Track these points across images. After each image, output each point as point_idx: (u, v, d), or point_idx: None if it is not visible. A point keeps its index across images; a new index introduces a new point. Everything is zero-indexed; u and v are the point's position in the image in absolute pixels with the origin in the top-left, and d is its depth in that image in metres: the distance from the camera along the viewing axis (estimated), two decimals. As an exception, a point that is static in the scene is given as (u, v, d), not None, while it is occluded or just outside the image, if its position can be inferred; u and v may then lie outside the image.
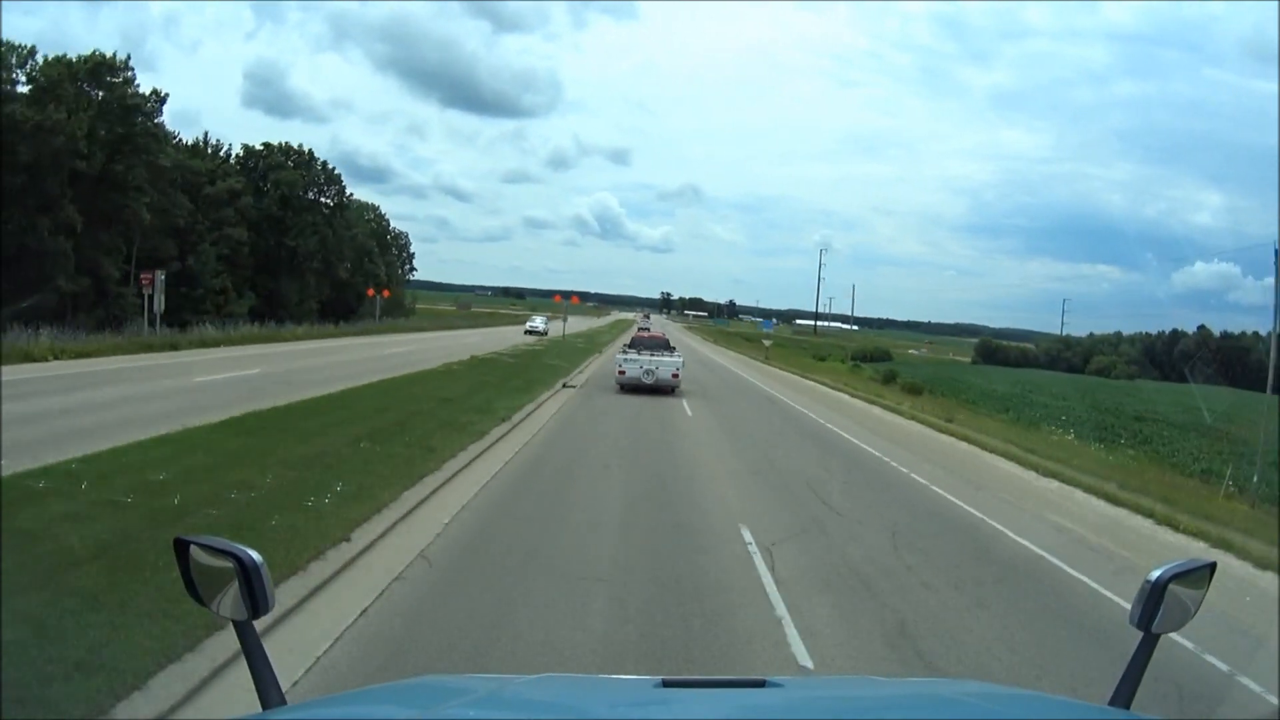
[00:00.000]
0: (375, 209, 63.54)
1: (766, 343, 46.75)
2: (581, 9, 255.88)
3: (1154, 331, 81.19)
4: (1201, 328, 78.59)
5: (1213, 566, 1.59)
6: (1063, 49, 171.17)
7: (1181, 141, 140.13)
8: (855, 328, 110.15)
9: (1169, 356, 79.75)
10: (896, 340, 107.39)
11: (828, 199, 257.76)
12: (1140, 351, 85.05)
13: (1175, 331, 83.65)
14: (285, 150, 46.66)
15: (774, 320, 49.54)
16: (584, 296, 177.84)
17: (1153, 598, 1.47)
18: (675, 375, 20.30)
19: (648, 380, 19.91)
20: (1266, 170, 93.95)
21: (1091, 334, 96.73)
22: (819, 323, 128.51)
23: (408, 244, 65.62)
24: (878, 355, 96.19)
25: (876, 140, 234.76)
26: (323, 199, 47.16)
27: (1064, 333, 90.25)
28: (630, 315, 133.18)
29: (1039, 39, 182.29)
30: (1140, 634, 1.51)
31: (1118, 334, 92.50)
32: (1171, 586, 1.48)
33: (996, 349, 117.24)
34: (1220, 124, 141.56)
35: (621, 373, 20.27)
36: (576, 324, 71.29)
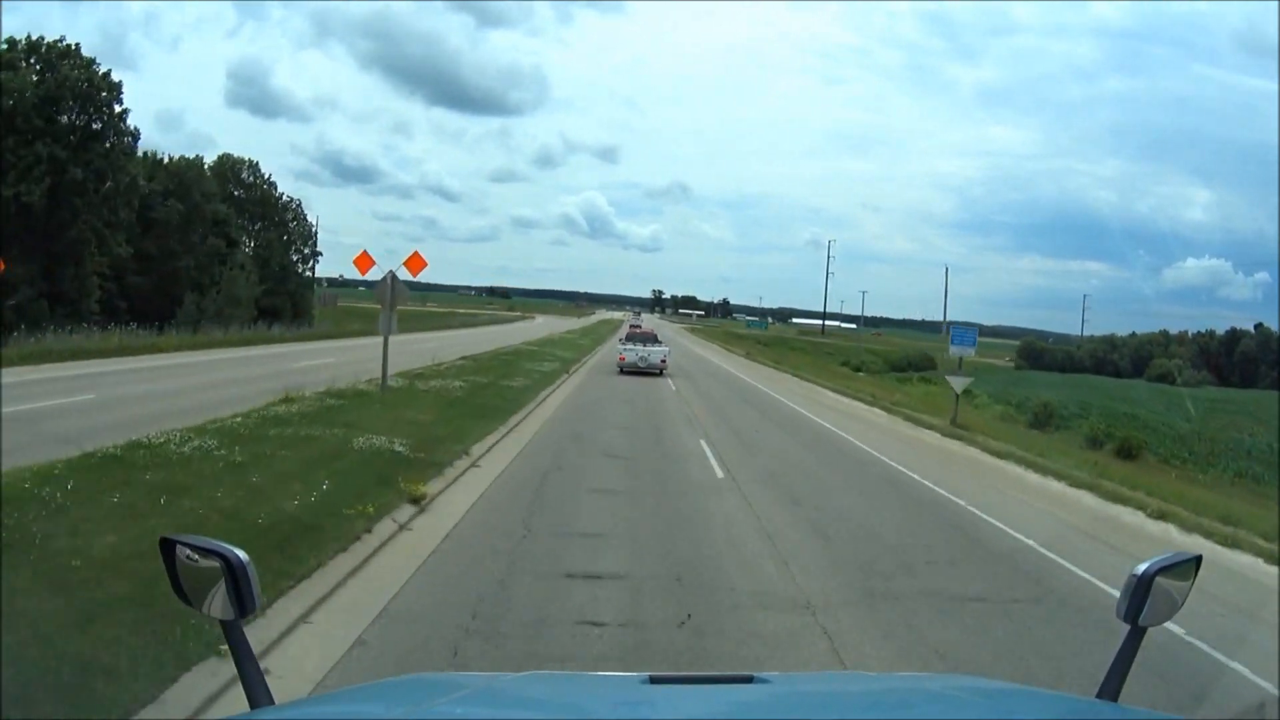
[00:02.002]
0: (254, 165, 43.74)
1: (959, 385, 18.77)
2: (566, 5, 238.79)
3: (1202, 330, 74.59)
4: (1260, 326, 72.93)
5: (1199, 559, 1.52)
6: (1051, 45, 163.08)
7: (1170, 138, 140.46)
8: (854, 326, 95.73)
9: (1229, 358, 71.54)
10: (901, 339, 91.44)
11: (816, 196, 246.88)
12: (1194, 352, 75.99)
13: (1233, 330, 75.63)
14: (33, 46, 26.89)
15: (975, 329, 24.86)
16: (573, 296, 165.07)
17: (1139, 590, 1.40)
18: (663, 361, 24.56)
19: (642, 365, 23.92)
20: (1255, 166, 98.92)
21: (1134, 333, 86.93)
22: (804, 321, 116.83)
23: (302, 216, 45.66)
24: (920, 362, 77.35)
25: (864, 137, 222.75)
26: (85, 120, 27.09)
27: (1084, 332, 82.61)
28: (619, 314, 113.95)
29: (1027, 35, 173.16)
30: (1127, 627, 1.44)
31: (1164, 333, 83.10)
32: (1158, 579, 1.41)
33: (1041, 351, 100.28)
34: (1208, 120, 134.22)
35: (622, 359, 24.62)
36: (543, 326, 51.90)
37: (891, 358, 70.39)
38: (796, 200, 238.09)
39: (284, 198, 44.84)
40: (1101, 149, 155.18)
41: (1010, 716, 1.37)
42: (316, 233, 47.23)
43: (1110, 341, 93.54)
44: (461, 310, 76.20)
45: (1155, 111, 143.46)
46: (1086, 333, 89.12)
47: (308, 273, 47.63)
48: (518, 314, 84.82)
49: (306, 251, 46.44)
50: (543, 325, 53.18)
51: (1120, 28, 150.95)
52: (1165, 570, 1.42)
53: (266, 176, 44.33)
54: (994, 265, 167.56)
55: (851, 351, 77.47)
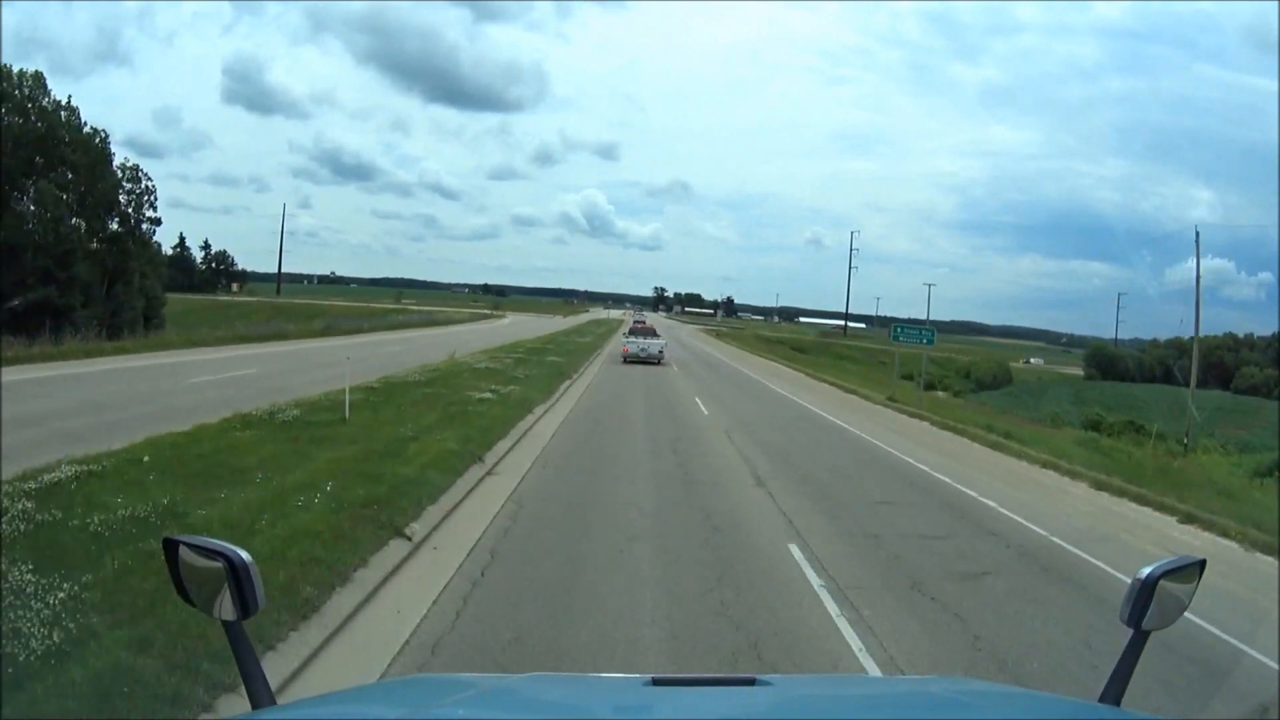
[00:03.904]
0: (38, 78, 27.20)
1: None
2: (565, 1, 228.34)
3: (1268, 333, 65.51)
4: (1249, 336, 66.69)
5: (1202, 563, 1.47)
6: (1053, 45, 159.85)
7: (1172, 138, 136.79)
8: (864, 326, 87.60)
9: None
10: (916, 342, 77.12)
11: (817, 196, 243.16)
12: (1271, 358, 65.91)
13: (1312, 333, 62.81)
14: None
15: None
16: (573, 294, 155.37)
17: (1143, 595, 1.36)
18: (660, 352, 27.13)
19: (643, 355, 26.63)
20: (1257, 166, 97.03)
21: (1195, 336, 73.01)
22: (815, 320, 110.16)
23: (102, 153, 28.70)
24: (1001, 377, 60.77)
25: (866, 137, 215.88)
26: None
27: (1117, 336, 76.16)
28: (617, 313, 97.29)
29: (1029, 35, 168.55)
30: (1130, 631, 1.39)
31: (1231, 335, 73.25)
32: (1162, 583, 1.37)
33: (1114, 359, 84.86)
34: (1211, 120, 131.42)
35: (625, 350, 27.26)
36: (491, 334, 34.76)
37: (970, 372, 53.90)
38: (798, 199, 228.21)
39: (87, 128, 28.25)
40: (1104, 149, 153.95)
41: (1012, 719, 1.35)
42: (153, 191, 30.62)
43: (1178, 346, 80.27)
44: (422, 308, 60.04)
45: (1157, 111, 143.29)
46: (1091, 333, 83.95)
47: (146, 244, 31.05)
48: (487, 311, 68.24)
49: (135, 214, 29.82)
50: (496, 331, 36.59)
51: (1122, 27, 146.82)
52: (1169, 574, 1.38)
53: (62, 101, 27.81)
54: (995, 265, 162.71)
55: (907, 361, 61.03)
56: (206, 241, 77.08)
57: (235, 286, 62.98)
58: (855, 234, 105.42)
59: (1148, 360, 76.75)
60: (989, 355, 70.73)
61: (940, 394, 40.21)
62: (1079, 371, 74.49)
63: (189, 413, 9.46)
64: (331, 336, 26.61)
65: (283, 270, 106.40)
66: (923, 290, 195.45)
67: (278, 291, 71.17)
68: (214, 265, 75.21)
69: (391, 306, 58.66)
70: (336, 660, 3.89)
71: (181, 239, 71.45)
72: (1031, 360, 72.35)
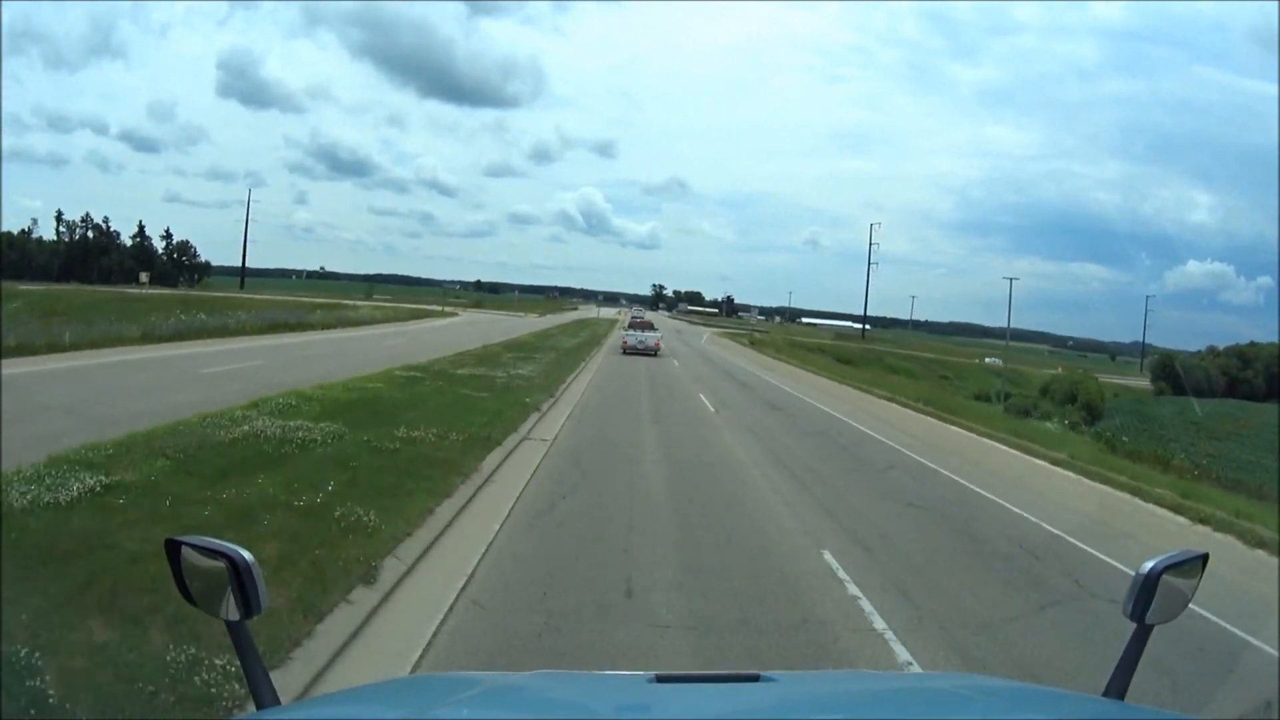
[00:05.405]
0: None
1: None
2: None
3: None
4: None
5: (1205, 557, 1.45)
6: (1051, 45, 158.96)
7: (1171, 140, 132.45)
8: (867, 326, 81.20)
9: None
10: (930, 343, 75.74)
11: (815, 196, 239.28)
12: None
13: (1400, 336, 56.50)
14: None
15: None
16: (557, 290, 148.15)
17: (1145, 588, 1.35)
18: (657, 344, 29.26)
19: (640, 347, 28.59)
20: (1257, 169, 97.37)
21: (1253, 342, 66.55)
22: (819, 322, 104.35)
23: None
24: (1094, 400, 48.76)
25: (864, 137, 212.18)
26: None
27: (1144, 340, 71.20)
28: (611, 311, 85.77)
29: (1027, 35, 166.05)
30: (1134, 625, 1.37)
31: None
32: (1165, 577, 1.36)
33: (1187, 371, 72.86)
34: (1210, 122, 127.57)
35: (625, 342, 29.59)
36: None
37: (1077, 394, 41.78)
38: (796, 198, 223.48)
39: None
40: (1103, 150, 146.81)
41: (1016, 716, 1.33)
42: None
43: (1240, 354, 70.11)
44: (395, 304, 49.44)
45: (1157, 113, 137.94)
46: (1089, 335, 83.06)
47: None
48: (438, 308, 56.87)
49: None
50: (377, 345, 23.84)
51: (1122, 28, 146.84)
52: (1172, 568, 1.36)
53: None
54: (993, 266, 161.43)
55: (972, 375, 48.99)
56: (168, 230, 73.73)
57: (144, 278, 53.10)
58: (875, 226, 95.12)
59: (1211, 370, 66.33)
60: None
61: (1050, 426, 28.33)
62: (1121, 380, 63.74)
63: None
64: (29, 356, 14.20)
65: (276, 266, 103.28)
66: (924, 289, 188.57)
67: (241, 285, 67.13)
68: (175, 256, 71.52)
69: (337, 302, 48.57)
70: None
71: (140, 228, 70.04)
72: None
